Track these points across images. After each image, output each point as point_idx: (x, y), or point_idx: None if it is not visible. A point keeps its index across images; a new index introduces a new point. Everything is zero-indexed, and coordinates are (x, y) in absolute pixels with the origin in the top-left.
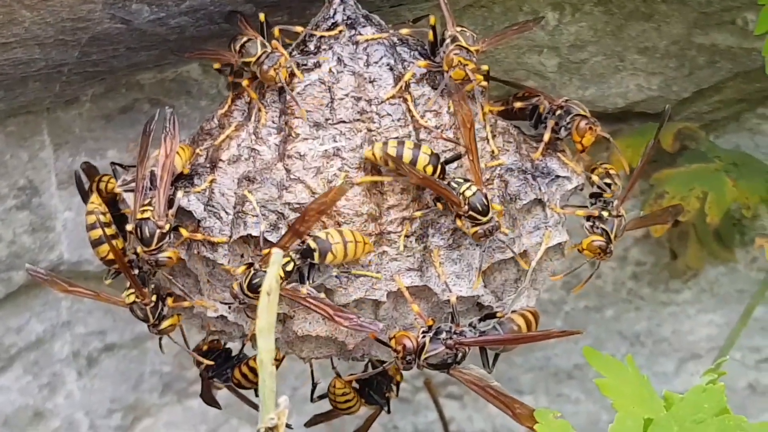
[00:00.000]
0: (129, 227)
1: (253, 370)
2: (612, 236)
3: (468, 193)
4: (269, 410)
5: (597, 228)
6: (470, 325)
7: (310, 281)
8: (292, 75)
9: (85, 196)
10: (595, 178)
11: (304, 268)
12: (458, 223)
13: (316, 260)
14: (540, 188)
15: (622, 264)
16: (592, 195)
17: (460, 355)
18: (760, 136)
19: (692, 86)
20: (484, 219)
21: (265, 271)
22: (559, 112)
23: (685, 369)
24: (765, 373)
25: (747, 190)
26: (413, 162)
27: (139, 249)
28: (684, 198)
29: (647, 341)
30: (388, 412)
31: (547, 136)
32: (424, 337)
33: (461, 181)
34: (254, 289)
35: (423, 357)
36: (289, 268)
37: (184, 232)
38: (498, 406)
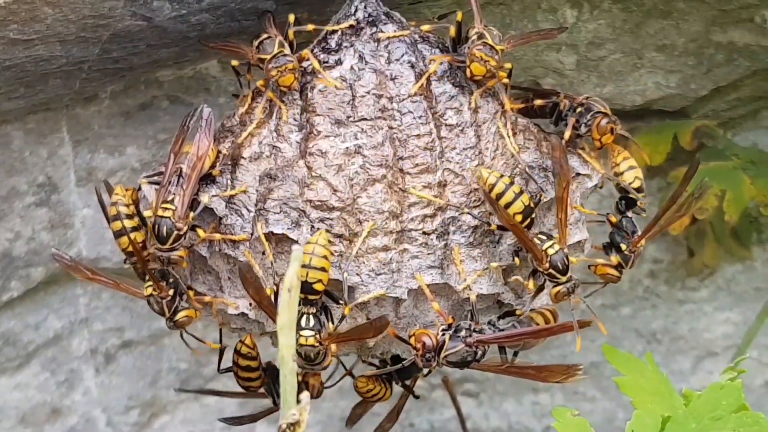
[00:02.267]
0: (147, 213)
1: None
2: (626, 267)
3: (551, 251)
4: (290, 406)
5: (613, 252)
6: (489, 323)
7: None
8: (304, 74)
9: (106, 213)
10: (624, 180)
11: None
12: (530, 281)
13: None
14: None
15: (639, 261)
16: (623, 199)
17: (479, 352)
18: None
19: (710, 84)
20: (564, 279)
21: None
22: (579, 109)
23: (702, 367)
24: None
25: (765, 188)
26: (507, 205)
27: (151, 243)
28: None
29: (664, 339)
30: (416, 397)
31: (567, 134)
32: (443, 334)
33: (544, 237)
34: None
35: (443, 355)
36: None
37: (201, 232)
38: (527, 376)
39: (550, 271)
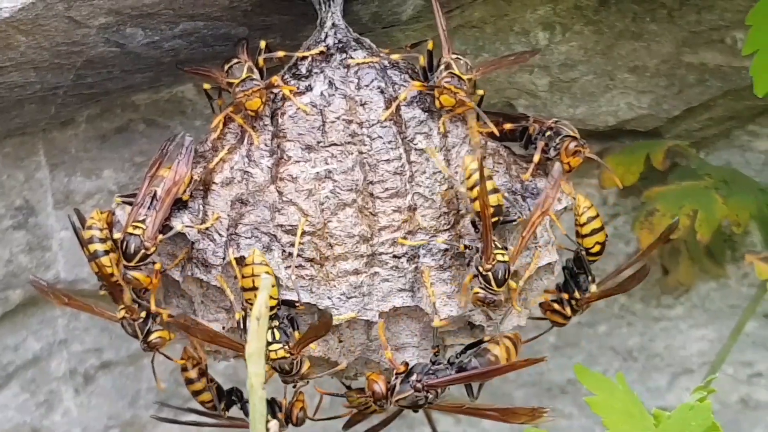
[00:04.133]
0: (117, 235)
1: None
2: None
3: (500, 258)
4: None
5: (565, 303)
6: (448, 361)
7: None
8: (275, 100)
9: (80, 239)
10: (584, 246)
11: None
12: (467, 278)
13: None
14: (530, 209)
15: (614, 280)
16: (578, 259)
17: (431, 396)
18: (751, 153)
19: (682, 104)
20: (495, 289)
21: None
22: (548, 133)
23: (678, 384)
24: (757, 387)
25: (737, 207)
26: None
27: (114, 258)
28: (674, 216)
29: (640, 356)
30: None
31: (536, 157)
32: (396, 378)
33: (500, 246)
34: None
35: (393, 399)
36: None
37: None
38: (488, 417)
39: (488, 275)
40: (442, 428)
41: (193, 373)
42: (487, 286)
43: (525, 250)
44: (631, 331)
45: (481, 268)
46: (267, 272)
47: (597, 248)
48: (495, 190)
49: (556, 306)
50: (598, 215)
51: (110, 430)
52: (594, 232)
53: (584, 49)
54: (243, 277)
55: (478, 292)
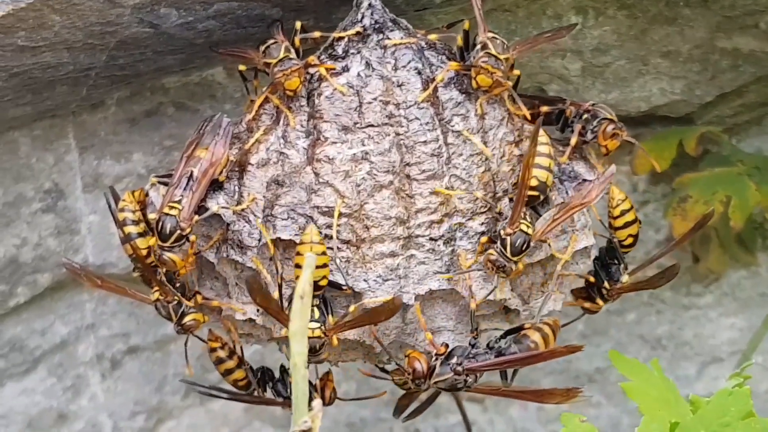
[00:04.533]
0: (152, 216)
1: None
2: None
3: (523, 227)
4: (303, 414)
5: (594, 293)
6: (488, 345)
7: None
8: (311, 81)
9: (116, 219)
10: (617, 237)
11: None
12: (484, 238)
13: None
14: (567, 192)
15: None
16: (610, 250)
17: (470, 380)
18: None
19: (715, 90)
20: (510, 257)
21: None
22: (586, 116)
23: (707, 373)
24: None
25: None
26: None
27: (152, 240)
28: (707, 202)
29: (669, 345)
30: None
31: (574, 140)
32: (436, 359)
33: (528, 220)
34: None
35: (432, 381)
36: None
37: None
38: (524, 398)
39: (507, 239)
40: (469, 417)
41: (222, 353)
42: (503, 250)
43: (562, 234)
44: (661, 319)
45: (502, 231)
46: (323, 251)
47: (630, 240)
48: (549, 169)
49: (587, 294)
50: (632, 207)
51: (137, 416)
52: (627, 225)
53: (617, 33)
54: (297, 254)
55: (492, 254)
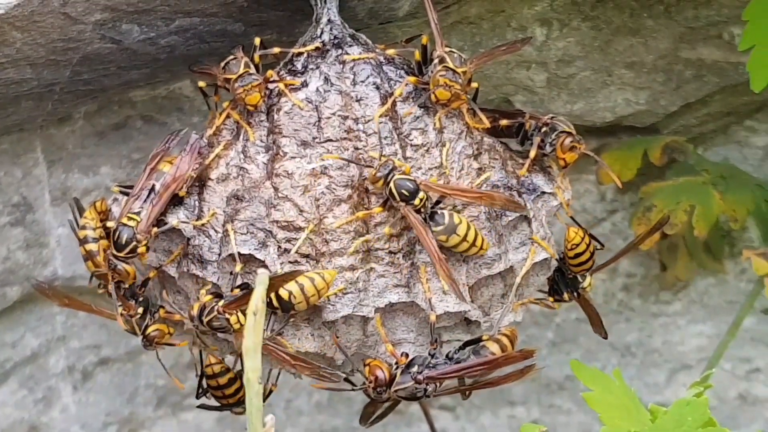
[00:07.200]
0: (110, 224)
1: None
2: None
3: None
4: (257, 429)
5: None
6: (447, 356)
7: (270, 330)
8: (271, 96)
9: (77, 235)
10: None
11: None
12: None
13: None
14: (525, 204)
15: (613, 276)
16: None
17: (430, 388)
18: (748, 149)
19: (680, 100)
20: (410, 197)
21: (221, 313)
22: (544, 128)
23: (676, 380)
24: (755, 383)
25: (734, 203)
26: None
27: (104, 245)
28: (672, 211)
29: (638, 352)
30: None
31: (533, 153)
32: (397, 368)
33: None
34: (211, 325)
35: (393, 389)
36: None
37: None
38: (488, 382)
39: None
40: (440, 425)
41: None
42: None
43: (521, 246)
44: (630, 326)
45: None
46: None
47: (582, 272)
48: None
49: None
50: (586, 250)
51: (108, 427)
52: (580, 264)
53: (582, 44)
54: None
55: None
